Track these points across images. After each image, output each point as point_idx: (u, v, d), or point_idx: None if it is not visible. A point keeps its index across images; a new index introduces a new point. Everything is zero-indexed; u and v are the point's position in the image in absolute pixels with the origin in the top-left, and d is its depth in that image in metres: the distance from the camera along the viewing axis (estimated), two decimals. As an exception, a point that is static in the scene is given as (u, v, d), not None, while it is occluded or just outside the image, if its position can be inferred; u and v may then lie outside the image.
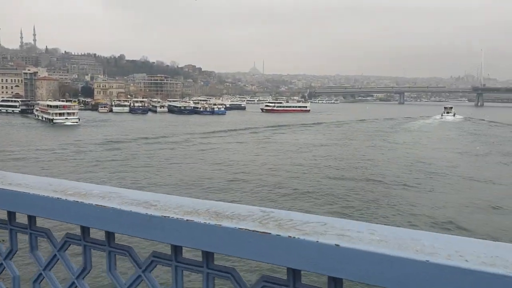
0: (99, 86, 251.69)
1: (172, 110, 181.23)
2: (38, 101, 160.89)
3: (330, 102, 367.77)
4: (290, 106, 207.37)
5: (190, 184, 46.06)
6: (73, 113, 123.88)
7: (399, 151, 72.45)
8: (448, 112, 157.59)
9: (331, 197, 39.80)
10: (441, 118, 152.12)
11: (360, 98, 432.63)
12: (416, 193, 41.78)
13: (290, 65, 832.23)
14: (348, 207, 36.09)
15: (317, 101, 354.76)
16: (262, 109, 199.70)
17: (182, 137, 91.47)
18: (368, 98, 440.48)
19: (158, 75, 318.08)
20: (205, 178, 48.67)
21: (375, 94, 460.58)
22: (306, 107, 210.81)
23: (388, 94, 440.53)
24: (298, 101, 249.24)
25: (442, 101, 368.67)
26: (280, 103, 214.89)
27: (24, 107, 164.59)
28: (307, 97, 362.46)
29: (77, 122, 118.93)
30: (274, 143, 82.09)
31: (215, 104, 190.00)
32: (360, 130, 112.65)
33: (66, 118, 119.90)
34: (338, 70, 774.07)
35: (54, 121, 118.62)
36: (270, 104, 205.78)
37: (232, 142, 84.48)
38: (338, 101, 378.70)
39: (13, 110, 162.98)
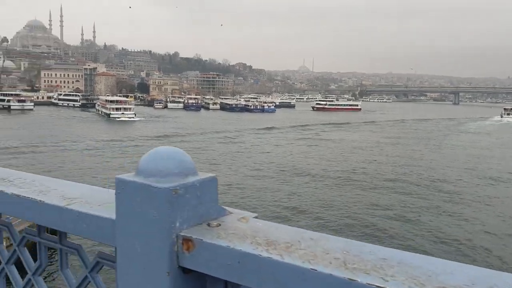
0: (155, 82, 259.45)
1: (224, 107, 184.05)
2: (99, 96, 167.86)
3: (381, 101, 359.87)
4: (341, 105, 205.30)
5: (240, 180, 46.90)
6: (129, 109, 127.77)
7: (462, 153, 70.13)
8: (508, 114, 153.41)
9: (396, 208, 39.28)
10: (501, 119, 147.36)
11: (413, 97, 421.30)
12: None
13: (340, 63, 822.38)
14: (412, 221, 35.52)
15: (368, 99, 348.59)
16: (313, 107, 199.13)
17: (234, 133, 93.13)
18: (421, 98, 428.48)
19: (211, 72, 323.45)
20: (260, 176, 49.37)
21: (428, 94, 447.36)
22: (357, 105, 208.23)
23: (442, 94, 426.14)
24: (349, 100, 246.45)
25: (498, 102, 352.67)
26: (332, 101, 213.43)
27: (84, 101, 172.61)
28: (357, 96, 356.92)
29: (132, 118, 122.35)
30: (327, 142, 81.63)
31: (265, 102, 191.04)
32: (417, 130, 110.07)
33: (122, 113, 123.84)
34: (389, 68, 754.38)
35: (111, 115, 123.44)
36: (322, 102, 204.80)
37: (283, 140, 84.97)
38: (391, 100, 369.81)
39: (74, 104, 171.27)
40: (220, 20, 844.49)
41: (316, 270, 0.92)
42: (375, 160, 61.27)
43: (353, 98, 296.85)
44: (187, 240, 1.15)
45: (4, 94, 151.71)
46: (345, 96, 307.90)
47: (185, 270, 1.18)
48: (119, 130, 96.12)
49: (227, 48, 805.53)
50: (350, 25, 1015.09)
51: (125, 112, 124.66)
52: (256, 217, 1.31)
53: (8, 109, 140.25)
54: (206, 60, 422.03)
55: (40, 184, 1.45)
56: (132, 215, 1.20)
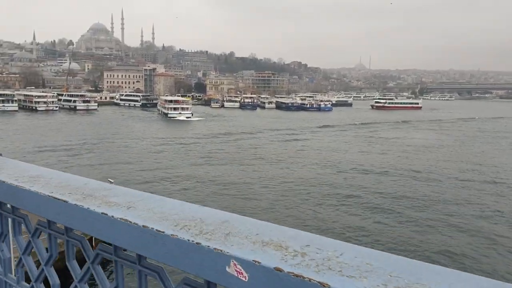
0: (211, 82, 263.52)
1: (279, 106, 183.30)
2: (160, 96, 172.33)
3: (443, 98, 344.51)
4: (400, 103, 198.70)
5: (301, 178, 45.81)
6: (186, 108, 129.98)
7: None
8: None
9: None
10: None
11: (477, 95, 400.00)
12: None
13: (398, 59, 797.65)
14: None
15: (429, 97, 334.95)
16: (372, 106, 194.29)
17: (293, 132, 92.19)
18: (486, 95, 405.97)
19: (266, 71, 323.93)
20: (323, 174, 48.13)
21: (494, 91, 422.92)
22: (417, 103, 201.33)
23: (510, 91, 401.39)
24: (408, 97, 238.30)
25: None
26: (391, 99, 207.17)
27: (144, 101, 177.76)
28: (417, 93, 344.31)
29: (189, 117, 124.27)
30: (391, 142, 78.73)
31: (321, 101, 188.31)
32: (486, 130, 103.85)
33: (180, 113, 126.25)
34: (451, 64, 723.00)
35: (168, 115, 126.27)
36: (381, 101, 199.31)
37: (344, 138, 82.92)
38: (453, 98, 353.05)
39: (134, 104, 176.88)
40: (276, 19, 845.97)
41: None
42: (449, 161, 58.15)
43: (413, 96, 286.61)
44: None
45: (70, 95, 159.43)
46: (404, 94, 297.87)
47: None
48: (176, 129, 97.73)
49: (282, 47, 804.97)
50: (408, 21, 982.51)
51: (182, 112, 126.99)
52: None
53: (74, 109, 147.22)
54: (261, 59, 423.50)
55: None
56: None
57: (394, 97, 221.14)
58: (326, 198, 38.73)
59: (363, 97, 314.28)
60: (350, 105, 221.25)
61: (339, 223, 32.14)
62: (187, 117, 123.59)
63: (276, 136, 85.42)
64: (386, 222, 32.21)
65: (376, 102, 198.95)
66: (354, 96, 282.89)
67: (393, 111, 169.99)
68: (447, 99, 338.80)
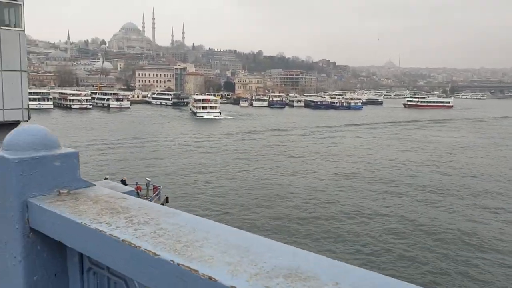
0: (240, 81, 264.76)
1: (308, 104, 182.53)
2: (190, 95, 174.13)
3: (475, 97, 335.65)
4: (432, 102, 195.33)
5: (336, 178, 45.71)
6: (215, 107, 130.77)
7: None
8: None
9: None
10: None
11: (510, 93, 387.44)
12: None
13: (428, 58, 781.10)
14: None
15: (460, 96, 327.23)
16: (404, 104, 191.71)
17: (321, 130, 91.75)
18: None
19: (294, 70, 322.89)
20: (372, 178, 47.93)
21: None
22: (449, 102, 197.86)
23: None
24: (439, 96, 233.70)
25: None
26: (424, 98, 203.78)
27: (175, 100, 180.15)
28: (448, 92, 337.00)
29: (218, 116, 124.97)
30: (429, 142, 77.27)
31: (351, 99, 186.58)
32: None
33: (208, 112, 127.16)
34: (483, 63, 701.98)
35: (197, 114, 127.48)
36: (413, 99, 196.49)
37: (378, 137, 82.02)
38: (485, 97, 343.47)
39: (166, 103, 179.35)
40: (303, 18, 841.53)
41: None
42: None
43: (443, 94, 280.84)
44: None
45: (104, 93, 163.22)
46: (435, 92, 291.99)
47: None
48: (204, 128, 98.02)
49: (311, 45, 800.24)
50: (438, 18, 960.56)
51: (210, 111, 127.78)
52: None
53: (107, 107, 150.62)
54: (289, 58, 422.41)
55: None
56: None
57: (425, 96, 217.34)
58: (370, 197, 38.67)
59: (393, 95, 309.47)
60: (381, 103, 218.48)
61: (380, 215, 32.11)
62: (214, 116, 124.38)
63: (307, 135, 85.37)
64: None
65: (408, 100, 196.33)
66: (384, 95, 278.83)
67: (425, 110, 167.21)
68: (478, 98, 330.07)
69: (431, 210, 35.00)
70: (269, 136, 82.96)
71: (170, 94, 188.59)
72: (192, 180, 43.82)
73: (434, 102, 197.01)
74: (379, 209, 35.03)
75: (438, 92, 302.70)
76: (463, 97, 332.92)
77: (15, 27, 19.27)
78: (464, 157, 60.65)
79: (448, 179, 45.96)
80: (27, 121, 19.78)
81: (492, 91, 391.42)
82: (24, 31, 19.29)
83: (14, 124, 18.74)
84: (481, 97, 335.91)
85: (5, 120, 19.18)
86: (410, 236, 29.15)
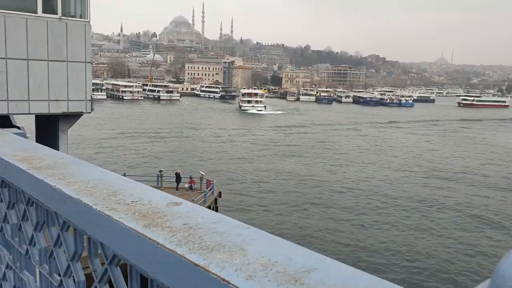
0: (287, 75, 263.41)
1: (356, 100, 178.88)
2: (238, 88, 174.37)
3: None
4: (487, 101, 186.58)
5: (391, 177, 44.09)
6: (260, 101, 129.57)
7: None
8: None
9: None
10: None
11: None
12: None
13: (483, 54, 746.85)
14: None
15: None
16: (459, 103, 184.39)
17: (370, 127, 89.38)
18: None
19: (341, 65, 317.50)
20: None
21: None
22: (504, 102, 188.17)
23: None
24: (494, 95, 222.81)
25: None
26: (479, 96, 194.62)
27: (223, 93, 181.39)
28: (504, 91, 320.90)
29: (262, 110, 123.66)
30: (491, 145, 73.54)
31: (402, 96, 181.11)
32: None
33: (253, 106, 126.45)
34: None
35: (242, 108, 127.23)
36: (469, 98, 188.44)
37: (442, 138, 78.87)
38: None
39: (214, 96, 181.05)
40: (352, 12, 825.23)
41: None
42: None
43: (499, 93, 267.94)
44: None
45: (154, 85, 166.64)
46: (490, 91, 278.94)
47: None
48: (251, 122, 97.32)
49: (359, 39, 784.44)
50: (494, 12, 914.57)
51: (255, 105, 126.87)
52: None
53: (158, 99, 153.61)
54: (337, 53, 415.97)
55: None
56: None
57: (480, 95, 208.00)
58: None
59: (446, 93, 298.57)
60: (433, 101, 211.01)
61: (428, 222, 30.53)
62: (258, 110, 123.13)
63: (360, 131, 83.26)
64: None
65: (463, 99, 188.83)
66: (436, 92, 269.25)
67: (481, 109, 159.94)
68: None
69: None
70: (317, 131, 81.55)
71: (218, 87, 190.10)
72: (239, 175, 43.54)
73: (489, 101, 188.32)
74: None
75: (493, 91, 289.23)
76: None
77: (81, 18, 19.24)
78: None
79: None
80: (90, 112, 19.78)
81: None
82: (89, 22, 19.24)
83: (77, 115, 18.78)
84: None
85: (70, 111, 19.21)
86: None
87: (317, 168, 48.48)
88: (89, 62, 19.15)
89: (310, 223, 30.33)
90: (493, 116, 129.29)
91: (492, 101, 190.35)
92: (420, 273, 23.35)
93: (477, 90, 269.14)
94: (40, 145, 1.97)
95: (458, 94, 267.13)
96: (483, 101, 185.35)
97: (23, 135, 2.03)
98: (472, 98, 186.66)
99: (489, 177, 46.31)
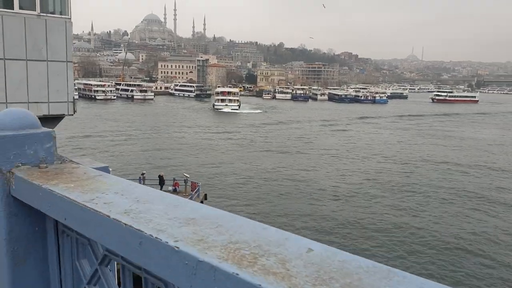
0: (262, 73, 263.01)
1: (332, 98, 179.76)
2: (213, 87, 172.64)
3: (502, 92, 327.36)
4: (459, 96, 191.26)
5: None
6: (234, 100, 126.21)
7: None
8: None
9: None
10: None
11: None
12: None
13: (452, 51, 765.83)
14: None
15: (486, 91, 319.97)
16: (432, 99, 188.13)
17: (348, 124, 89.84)
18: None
19: (316, 62, 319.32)
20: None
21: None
22: (474, 97, 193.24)
23: None
24: (464, 91, 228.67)
25: None
26: (452, 92, 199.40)
27: (198, 92, 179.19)
28: (474, 87, 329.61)
29: (236, 110, 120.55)
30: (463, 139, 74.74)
31: (376, 93, 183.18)
32: None
33: (226, 105, 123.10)
34: (509, 57, 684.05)
35: (215, 107, 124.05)
36: (442, 94, 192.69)
37: (407, 134, 79.62)
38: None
39: (189, 95, 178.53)
40: (324, 10, 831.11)
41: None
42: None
43: (469, 89, 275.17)
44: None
45: (128, 84, 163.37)
46: (460, 87, 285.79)
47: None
48: (225, 121, 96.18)
49: (332, 37, 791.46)
50: (462, 10, 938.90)
51: (229, 104, 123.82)
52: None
53: (131, 98, 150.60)
54: (311, 50, 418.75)
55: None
56: None
57: (452, 90, 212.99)
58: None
59: (418, 89, 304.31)
60: (406, 97, 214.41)
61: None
62: (233, 109, 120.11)
63: (339, 128, 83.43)
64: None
65: (436, 95, 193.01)
66: (409, 89, 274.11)
67: (454, 104, 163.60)
68: (506, 93, 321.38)
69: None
70: (293, 128, 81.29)
71: (193, 86, 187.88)
72: (220, 176, 42.68)
73: (461, 96, 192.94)
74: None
75: (463, 86, 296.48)
76: (490, 91, 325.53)
77: (61, 14, 18.01)
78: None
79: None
80: (72, 114, 18.62)
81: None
82: (70, 19, 18.06)
83: (59, 118, 17.67)
84: (509, 92, 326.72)
85: (50, 114, 17.99)
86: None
87: (300, 166, 48.01)
88: (71, 62, 18.00)
89: (293, 220, 29.76)
90: (468, 111, 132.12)
91: (463, 96, 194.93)
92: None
93: (447, 86, 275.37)
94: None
95: (429, 90, 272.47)
96: (455, 96, 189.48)
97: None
98: (445, 94, 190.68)
99: (472, 167, 46.85)
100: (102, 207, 1.12)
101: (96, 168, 1.57)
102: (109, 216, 1.06)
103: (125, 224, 0.99)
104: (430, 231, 29.12)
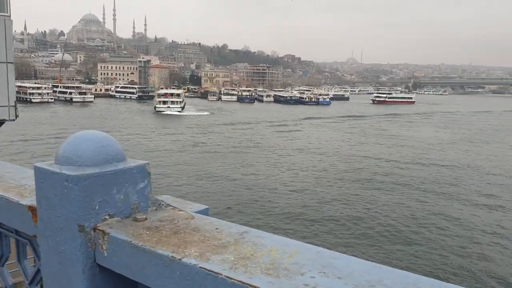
0: (206, 74, 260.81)
1: (277, 99, 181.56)
2: (156, 88, 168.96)
3: (437, 93, 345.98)
4: (397, 98, 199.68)
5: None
6: (176, 102, 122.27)
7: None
8: None
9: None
10: None
11: (470, 89, 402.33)
12: None
13: (390, 54, 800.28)
14: None
15: (422, 92, 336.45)
16: (373, 100, 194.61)
17: (296, 125, 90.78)
18: (479, 90, 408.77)
19: (260, 64, 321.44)
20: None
21: (486, 86, 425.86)
22: (411, 98, 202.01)
23: (502, 86, 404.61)
24: (401, 92, 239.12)
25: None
26: (390, 93, 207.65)
27: (140, 94, 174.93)
28: (411, 88, 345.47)
29: (179, 112, 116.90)
30: (398, 138, 77.57)
31: (320, 95, 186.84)
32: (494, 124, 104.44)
33: (168, 107, 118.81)
34: (443, 59, 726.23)
35: (156, 109, 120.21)
36: (382, 95, 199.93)
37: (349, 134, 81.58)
38: (447, 93, 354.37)
39: (130, 96, 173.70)
40: (267, 12, 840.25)
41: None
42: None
43: (406, 90, 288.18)
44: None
45: (66, 86, 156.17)
46: (398, 88, 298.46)
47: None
48: (165, 125, 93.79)
49: (275, 40, 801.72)
50: (399, 14, 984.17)
51: (171, 106, 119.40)
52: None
53: (70, 101, 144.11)
54: (255, 52, 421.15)
55: None
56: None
57: (391, 92, 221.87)
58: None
59: (358, 91, 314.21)
60: (347, 99, 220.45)
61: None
62: (176, 111, 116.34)
63: (282, 129, 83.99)
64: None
65: (376, 96, 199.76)
66: (350, 91, 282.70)
67: (392, 105, 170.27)
68: (441, 94, 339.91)
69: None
70: (243, 128, 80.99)
71: (135, 88, 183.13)
72: (170, 181, 41.49)
73: (399, 97, 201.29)
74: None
75: (401, 88, 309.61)
76: (426, 92, 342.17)
77: (-1, 11, 16.57)
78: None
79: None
80: (14, 120, 17.16)
81: (453, 87, 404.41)
82: (10, 16, 16.66)
83: (-1, 123, 16.22)
84: (443, 93, 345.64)
85: (-11, 119, 16.48)
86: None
87: (251, 165, 47.64)
88: (11, 63, 16.57)
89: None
90: (406, 112, 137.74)
91: (401, 97, 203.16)
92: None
93: (386, 88, 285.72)
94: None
95: (369, 91, 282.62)
96: (394, 97, 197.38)
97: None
98: (385, 95, 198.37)
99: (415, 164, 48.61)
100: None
101: (197, 212, 1.19)
102: None
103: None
104: (373, 217, 31.61)
